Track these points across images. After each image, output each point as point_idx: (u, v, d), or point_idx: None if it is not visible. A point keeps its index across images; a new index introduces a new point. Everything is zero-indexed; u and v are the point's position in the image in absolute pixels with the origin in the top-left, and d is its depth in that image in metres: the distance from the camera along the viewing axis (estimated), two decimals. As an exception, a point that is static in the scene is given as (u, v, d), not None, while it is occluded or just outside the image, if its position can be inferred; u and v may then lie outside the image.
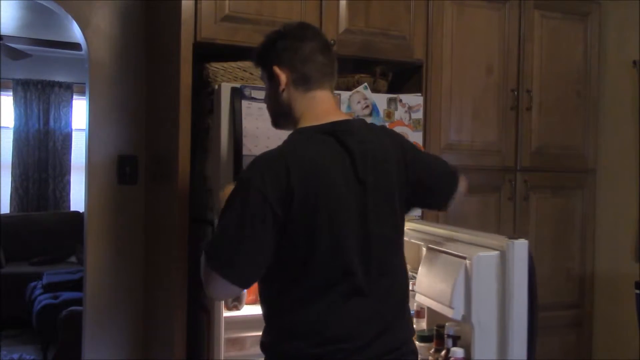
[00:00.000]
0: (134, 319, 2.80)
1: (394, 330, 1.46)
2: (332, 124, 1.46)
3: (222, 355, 2.17)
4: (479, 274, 1.68)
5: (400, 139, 1.60)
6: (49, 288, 5.00)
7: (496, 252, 1.69)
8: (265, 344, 1.47)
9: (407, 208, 1.58)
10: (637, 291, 2.64)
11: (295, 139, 1.47)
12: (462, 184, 1.71)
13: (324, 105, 1.51)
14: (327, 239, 1.38)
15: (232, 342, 2.29)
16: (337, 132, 1.44)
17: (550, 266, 2.98)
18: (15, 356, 4.60)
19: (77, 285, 4.84)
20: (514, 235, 1.72)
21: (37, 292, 5.04)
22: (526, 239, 2.84)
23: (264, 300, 1.49)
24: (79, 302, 4.12)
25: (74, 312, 4.04)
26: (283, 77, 1.49)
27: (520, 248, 1.68)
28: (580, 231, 3.07)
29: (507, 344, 1.67)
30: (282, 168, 1.35)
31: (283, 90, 1.50)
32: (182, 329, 2.24)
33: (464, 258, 1.72)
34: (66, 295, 4.81)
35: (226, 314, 2.21)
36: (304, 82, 1.49)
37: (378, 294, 1.44)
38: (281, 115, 1.55)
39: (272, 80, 1.52)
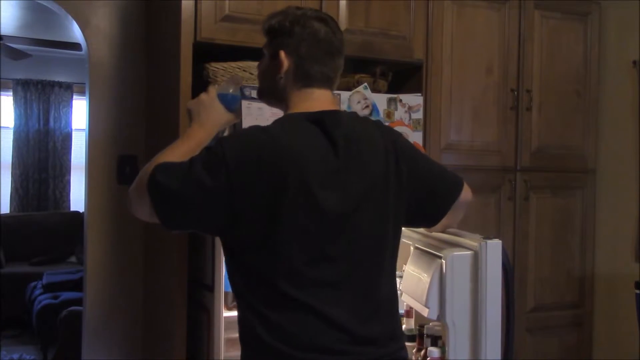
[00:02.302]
0: (134, 319, 2.80)
1: (368, 339, 1.37)
2: (321, 112, 1.41)
3: (222, 355, 2.17)
4: (452, 274, 1.67)
5: (393, 135, 1.51)
6: (49, 288, 5.00)
7: (469, 252, 1.68)
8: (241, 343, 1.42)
9: (404, 214, 1.49)
10: (637, 291, 2.64)
11: (281, 123, 1.41)
12: (468, 192, 1.61)
13: (320, 102, 1.45)
14: (290, 232, 1.30)
15: (232, 342, 2.29)
16: (325, 122, 1.39)
17: (550, 266, 2.99)
18: (15, 356, 4.60)
19: (77, 285, 4.84)
20: (489, 236, 1.70)
21: (37, 292, 5.04)
22: (526, 239, 2.90)
23: (236, 297, 1.43)
24: (79, 302, 4.12)
25: (74, 312, 4.04)
26: (285, 65, 1.43)
27: (493, 248, 1.66)
28: (580, 231, 3.07)
29: (480, 344, 1.66)
30: (257, 150, 1.30)
31: (281, 77, 1.44)
32: (182, 329, 2.24)
33: (440, 257, 1.72)
34: (66, 295, 4.81)
35: (226, 314, 2.21)
36: (303, 78, 1.44)
37: (351, 297, 1.35)
38: (272, 95, 1.51)
39: (273, 60, 1.46)
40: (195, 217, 1.33)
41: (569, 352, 3.03)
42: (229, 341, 2.25)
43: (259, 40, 2.33)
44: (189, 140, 1.50)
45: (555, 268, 3.00)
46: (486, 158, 2.85)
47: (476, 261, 1.67)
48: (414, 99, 2.46)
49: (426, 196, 1.52)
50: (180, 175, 1.30)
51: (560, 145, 3.01)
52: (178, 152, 1.42)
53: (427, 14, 2.68)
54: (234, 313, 2.23)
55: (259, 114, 2.15)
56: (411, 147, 1.55)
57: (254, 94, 2.13)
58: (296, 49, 1.43)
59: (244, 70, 2.26)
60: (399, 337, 1.46)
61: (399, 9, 2.61)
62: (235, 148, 1.31)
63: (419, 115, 2.48)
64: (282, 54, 1.43)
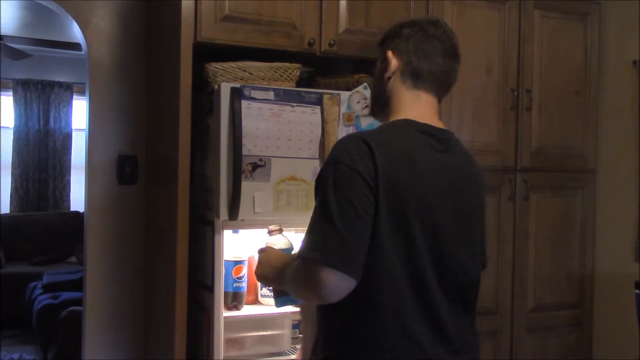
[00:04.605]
0: (134, 319, 2.80)
1: (464, 349, 1.39)
2: (430, 126, 1.38)
3: (222, 355, 2.17)
4: None
5: (477, 166, 1.50)
6: (49, 288, 5.00)
7: None
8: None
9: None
10: (637, 291, 2.64)
11: (384, 127, 1.39)
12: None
13: (427, 109, 1.42)
14: (417, 236, 1.28)
15: (232, 342, 2.29)
16: (434, 135, 1.36)
17: (550, 266, 2.99)
18: (15, 356, 4.60)
19: (77, 285, 4.84)
20: None
21: (37, 292, 5.04)
22: (526, 238, 2.90)
23: (328, 309, 1.33)
24: (79, 302, 4.12)
25: (74, 312, 4.05)
26: (394, 63, 1.42)
27: None
28: (580, 231, 3.07)
29: None
30: (365, 147, 1.26)
31: (389, 77, 1.43)
32: (182, 329, 2.24)
33: None
34: (66, 295, 4.81)
35: (226, 314, 2.22)
36: (412, 76, 1.41)
37: (448, 308, 1.35)
38: (378, 102, 1.48)
39: (382, 63, 1.46)
40: (367, 243, 1.25)
41: (569, 352, 3.03)
42: (228, 341, 2.26)
43: (259, 40, 2.36)
44: (281, 272, 1.45)
45: (555, 268, 3.00)
46: (486, 158, 2.84)
47: None
48: (414, 99, 2.46)
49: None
50: (329, 226, 1.22)
51: (560, 145, 3.01)
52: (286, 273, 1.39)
53: (427, 14, 2.67)
54: (234, 313, 2.25)
55: (259, 114, 2.15)
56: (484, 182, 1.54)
57: (254, 93, 2.15)
58: (405, 47, 1.42)
59: (243, 70, 2.26)
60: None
61: (399, 9, 2.61)
62: (346, 157, 1.26)
63: (419, 115, 2.47)
64: (390, 53, 1.43)
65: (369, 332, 1.30)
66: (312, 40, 2.42)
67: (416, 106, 1.41)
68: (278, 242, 1.71)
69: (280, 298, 1.61)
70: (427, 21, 1.47)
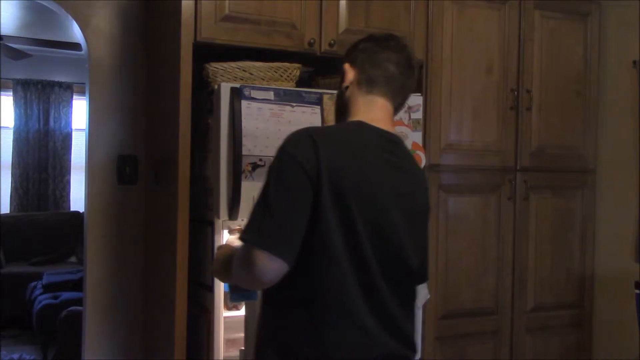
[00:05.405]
0: (134, 319, 2.80)
1: (403, 341, 1.43)
2: (381, 129, 1.46)
3: (222, 355, 2.17)
4: None
5: (426, 181, 1.59)
6: (49, 288, 5.00)
7: None
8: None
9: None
10: (637, 291, 2.64)
11: (335, 125, 1.49)
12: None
13: (381, 113, 1.49)
14: (358, 227, 1.34)
15: (232, 342, 2.29)
16: (384, 137, 1.44)
17: (550, 266, 2.99)
18: (15, 356, 4.60)
19: (77, 285, 4.84)
20: None
21: (37, 292, 5.04)
22: (526, 239, 2.90)
23: (273, 300, 1.41)
24: (79, 302, 4.12)
25: (74, 312, 4.04)
26: (350, 74, 1.51)
27: None
28: (580, 231, 3.06)
29: None
30: (310, 141, 1.33)
31: (347, 87, 1.51)
32: (182, 329, 2.24)
33: None
34: (66, 295, 4.81)
35: (226, 314, 2.22)
36: (367, 83, 1.50)
37: (392, 299, 1.40)
38: (339, 112, 1.56)
39: (342, 76, 1.54)
40: (302, 229, 1.32)
41: (569, 352, 3.03)
42: (228, 341, 2.25)
43: (258, 40, 2.36)
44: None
45: (555, 268, 3.00)
46: (486, 158, 2.85)
47: None
48: (414, 99, 2.46)
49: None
50: (265, 210, 1.30)
51: (560, 145, 3.01)
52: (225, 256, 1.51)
53: (427, 14, 2.68)
54: (234, 313, 2.25)
55: (259, 114, 2.15)
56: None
57: (253, 93, 2.15)
58: (360, 57, 1.51)
59: (243, 70, 2.26)
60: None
61: (399, 9, 2.61)
62: (292, 149, 1.34)
63: (418, 115, 2.48)
64: (347, 65, 1.53)
65: (317, 324, 1.34)
66: (312, 40, 2.42)
67: (371, 110, 1.49)
68: (237, 240, 1.72)
69: (234, 293, 1.65)
70: (383, 35, 1.55)
